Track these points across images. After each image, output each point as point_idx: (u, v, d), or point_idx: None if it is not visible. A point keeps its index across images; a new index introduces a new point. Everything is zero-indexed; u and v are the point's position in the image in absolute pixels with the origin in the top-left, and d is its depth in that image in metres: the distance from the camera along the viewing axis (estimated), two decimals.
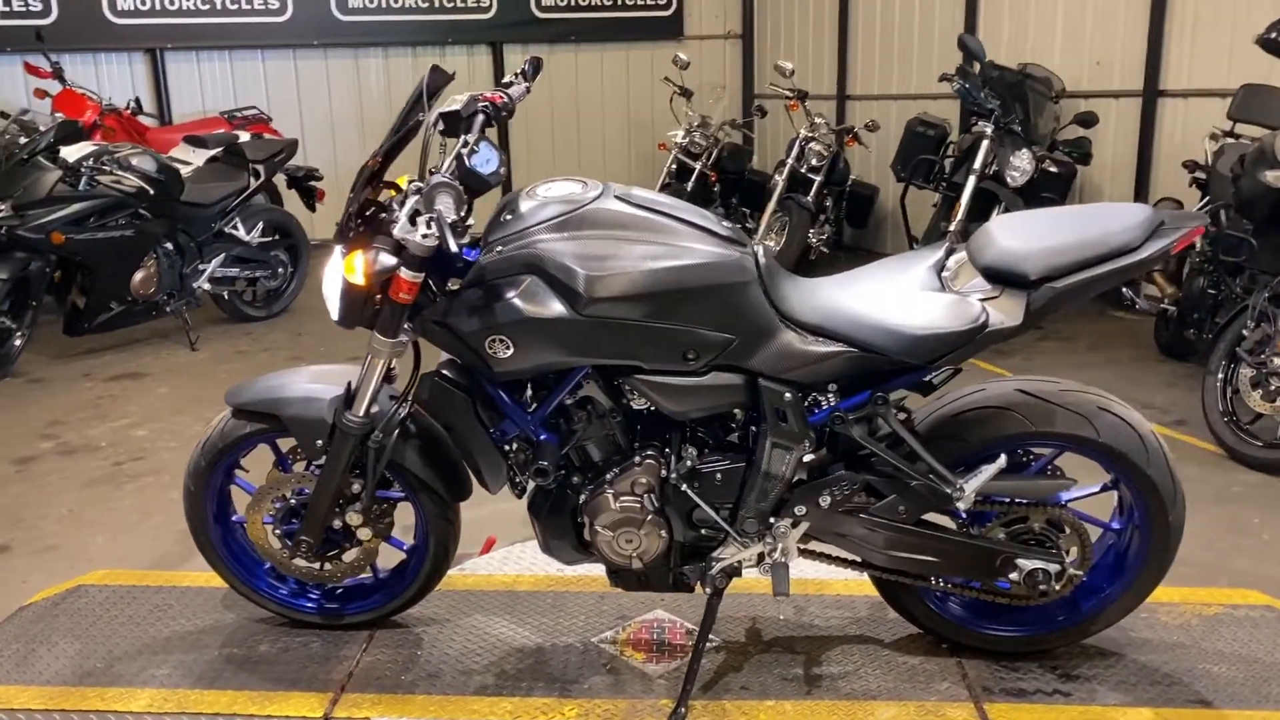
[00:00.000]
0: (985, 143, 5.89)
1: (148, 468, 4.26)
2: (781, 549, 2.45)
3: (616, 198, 2.33)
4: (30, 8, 8.52)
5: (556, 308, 2.22)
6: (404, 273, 2.25)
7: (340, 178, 8.70)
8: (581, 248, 2.23)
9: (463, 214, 2.16)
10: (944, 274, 2.38)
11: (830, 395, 2.37)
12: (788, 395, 2.32)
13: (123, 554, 3.48)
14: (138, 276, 5.72)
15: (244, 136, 6.76)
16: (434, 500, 2.62)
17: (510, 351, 2.25)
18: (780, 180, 7.77)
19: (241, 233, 6.25)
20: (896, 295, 2.33)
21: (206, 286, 6.15)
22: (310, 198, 6.81)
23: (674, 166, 8.59)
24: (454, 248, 2.07)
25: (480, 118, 2.41)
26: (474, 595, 3.01)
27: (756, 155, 9.54)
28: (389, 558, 2.82)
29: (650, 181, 8.94)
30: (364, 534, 2.63)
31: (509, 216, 2.32)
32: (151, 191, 5.58)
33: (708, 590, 2.52)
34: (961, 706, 2.48)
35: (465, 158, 2.22)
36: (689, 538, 2.49)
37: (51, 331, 5.88)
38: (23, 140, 5.28)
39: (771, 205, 7.70)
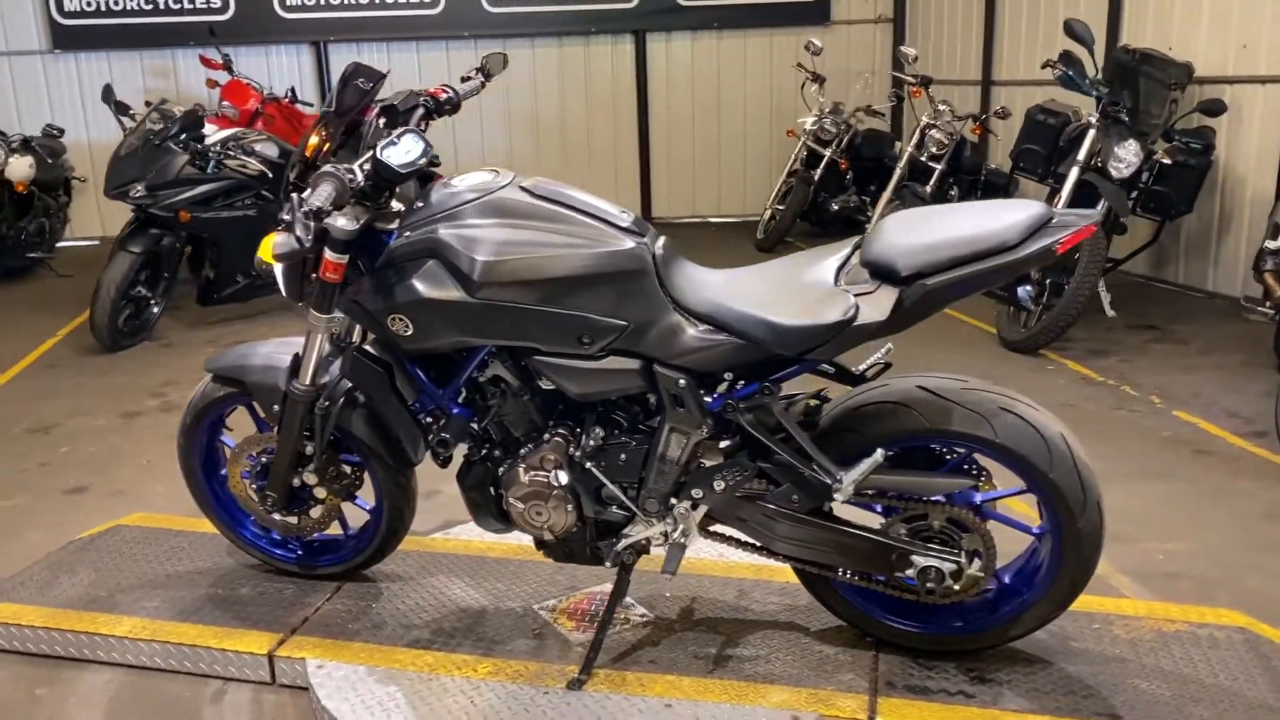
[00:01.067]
0: (1090, 133, 5.61)
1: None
2: (682, 529, 2.54)
3: (521, 188, 2.46)
4: (211, 5, 9.35)
5: (452, 291, 2.38)
6: (328, 254, 2.47)
7: (484, 163, 9.18)
8: (478, 234, 2.38)
9: (352, 201, 2.36)
10: (843, 269, 2.40)
11: (725, 383, 2.43)
12: (681, 381, 2.40)
13: (174, 503, 3.89)
14: None
15: None
16: (383, 465, 2.84)
17: (410, 330, 2.43)
18: (900, 168, 7.64)
19: None
20: (782, 288, 2.36)
21: None
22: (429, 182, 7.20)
23: (804, 154, 8.56)
24: (304, 237, 2.27)
25: (419, 111, 2.60)
26: (446, 558, 3.22)
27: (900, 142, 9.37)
28: (360, 517, 3.06)
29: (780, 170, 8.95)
30: (320, 493, 2.88)
31: (420, 204, 2.49)
32: (271, 175, 6.08)
33: (615, 565, 2.63)
34: (854, 698, 2.49)
35: (378, 149, 2.41)
36: (599, 514, 2.60)
37: (191, 301, 6.51)
38: (158, 127, 5.86)
39: (888, 193, 7.59)
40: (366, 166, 2.40)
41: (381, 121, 2.64)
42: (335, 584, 3.06)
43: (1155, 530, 3.53)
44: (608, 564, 2.62)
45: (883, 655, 2.66)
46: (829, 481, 2.37)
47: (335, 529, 3.06)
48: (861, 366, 2.54)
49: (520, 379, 2.54)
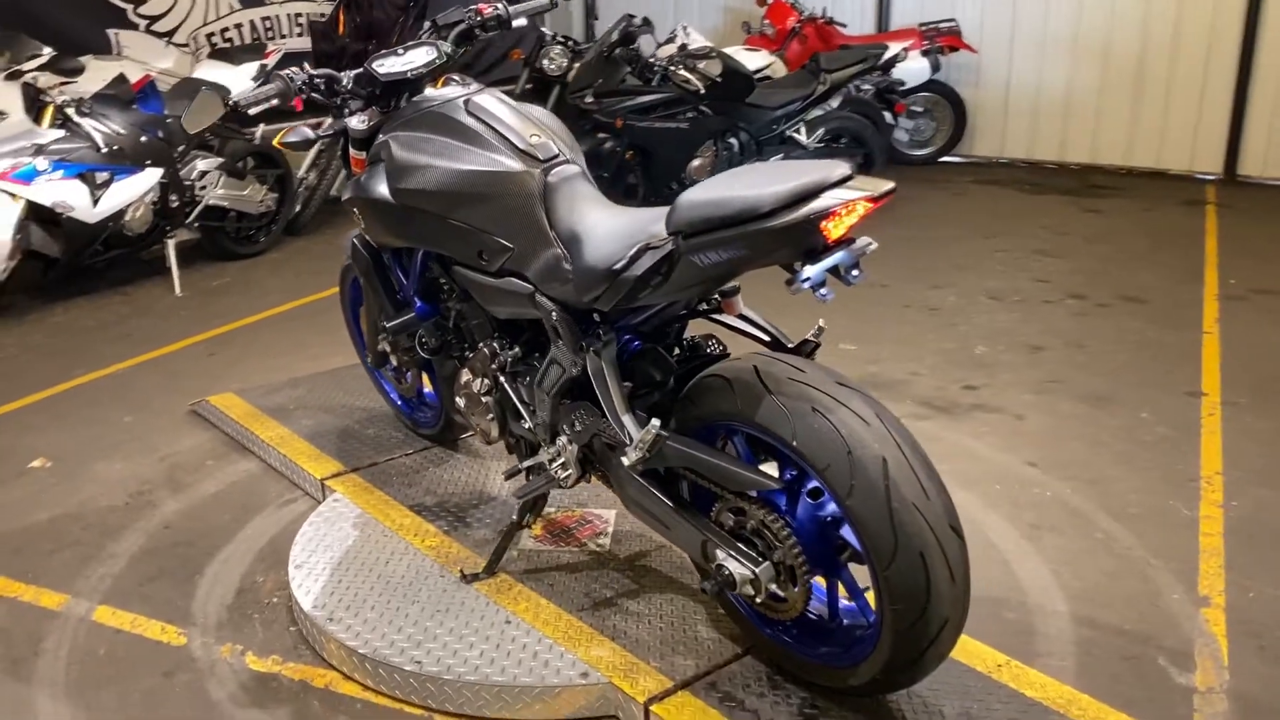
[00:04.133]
0: None
1: None
2: (561, 464, 2.52)
3: (465, 103, 2.57)
4: None
5: (382, 191, 2.61)
6: (351, 150, 2.84)
7: (1039, 96, 8.48)
8: (407, 143, 2.57)
9: (311, 97, 2.67)
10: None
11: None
12: (554, 314, 2.38)
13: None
14: (694, 164, 6.69)
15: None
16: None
17: (362, 224, 2.72)
18: None
19: (802, 137, 6.80)
20: (614, 231, 2.20)
21: None
22: (889, 110, 7.01)
23: None
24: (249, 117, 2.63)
25: (461, 25, 2.82)
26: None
27: None
28: None
29: None
30: (394, 359, 3.30)
31: (398, 111, 2.72)
32: (702, 90, 6.44)
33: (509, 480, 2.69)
34: (658, 682, 2.31)
35: (371, 60, 2.69)
36: (515, 431, 2.68)
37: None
38: (614, 39, 6.50)
39: None
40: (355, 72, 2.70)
41: (425, 25, 2.88)
42: (425, 445, 3.49)
43: None
44: (505, 481, 2.70)
45: (746, 660, 2.40)
46: (623, 439, 2.21)
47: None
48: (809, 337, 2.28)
49: (456, 287, 2.69)
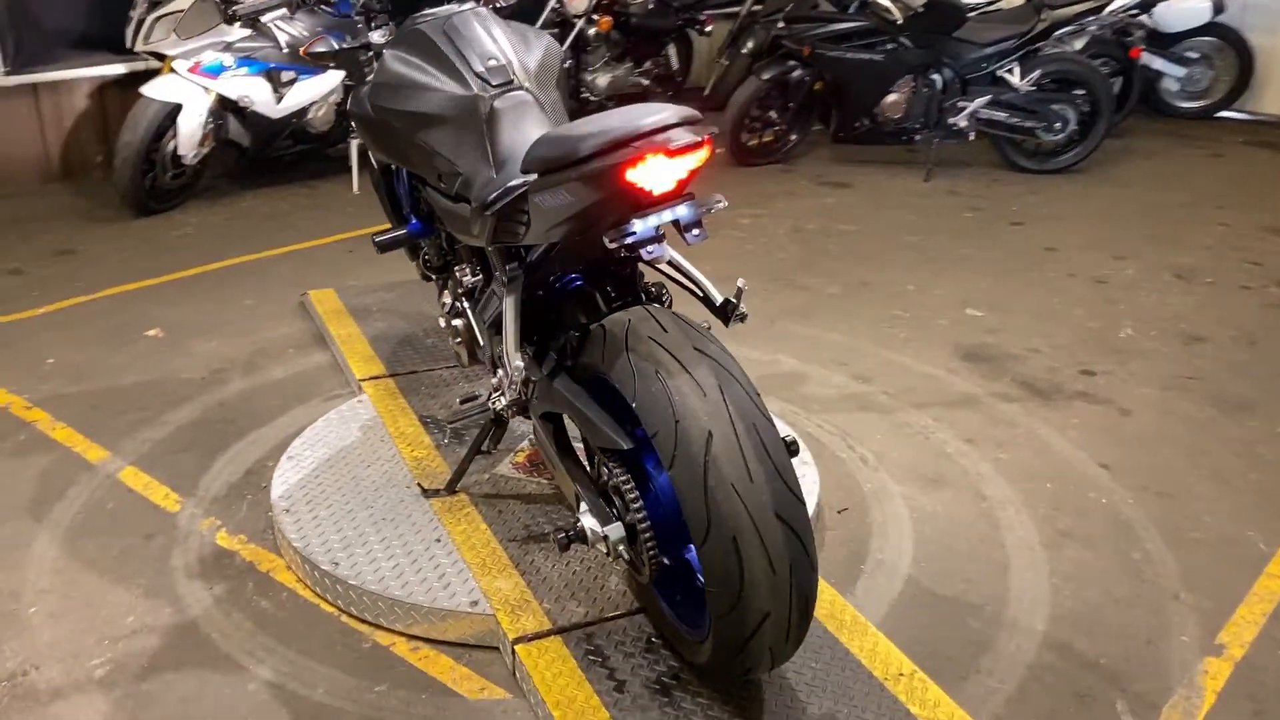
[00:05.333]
0: None
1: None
2: (501, 393, 2.51)
3: (442, 22, 2.54)
4: None
5: (368, 106, 2.65)
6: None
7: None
8: (391, 58, 2.58)
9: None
10: None
11: None
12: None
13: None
14: (888, 99, 6.30)
15: None
16: None
17: (354, 132, 2.77)
18: None
19: (1015, 78, 6.21)
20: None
21: (963, 124, 6.34)
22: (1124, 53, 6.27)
23: None
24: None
25: None
26: None
27: None
28: None
29: None
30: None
31: (400, 26, 2.73)
32: (901, 21, 6.00)
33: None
34: (539, 623, 2.28)
35: None
36: (480, 357, 2.69)
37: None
38: None
39: None
40: None
41: None
42: None
43: None
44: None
45: (637, 619, 2.33)
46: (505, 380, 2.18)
47: None
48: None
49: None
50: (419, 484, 2.80)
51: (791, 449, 2.10)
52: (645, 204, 1.74)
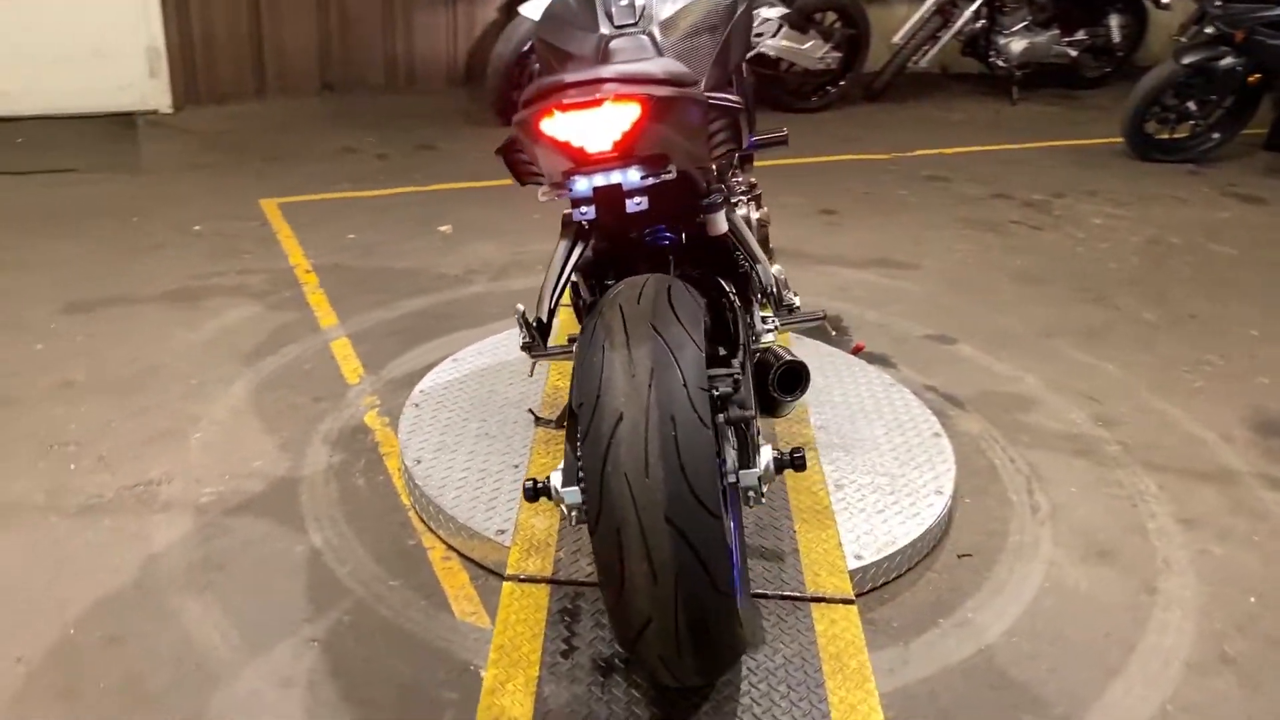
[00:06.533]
0: None
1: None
2: None
3: None
4: None
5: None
6: None
7: None
8: None
9: None
10: None
11: None
12: None
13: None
14: None
15: None
16: None
17: None
18: None
19: None
20: None
21: None
22: None
23: None
24: None
25: None
26: None
27: None
28: None
29: None
30: None
31: None
32: None
33: None
34: (545, 563, 2.28)
35: None
36: None
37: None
38: None
39: None
40: None
41: None
42: None
43: None
44: None
45: None
46: None
47: None
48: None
49: None
50: (531, 410, 2.87)
51: (796, 462, 1.91)
52: (581, 161, 1.63)
